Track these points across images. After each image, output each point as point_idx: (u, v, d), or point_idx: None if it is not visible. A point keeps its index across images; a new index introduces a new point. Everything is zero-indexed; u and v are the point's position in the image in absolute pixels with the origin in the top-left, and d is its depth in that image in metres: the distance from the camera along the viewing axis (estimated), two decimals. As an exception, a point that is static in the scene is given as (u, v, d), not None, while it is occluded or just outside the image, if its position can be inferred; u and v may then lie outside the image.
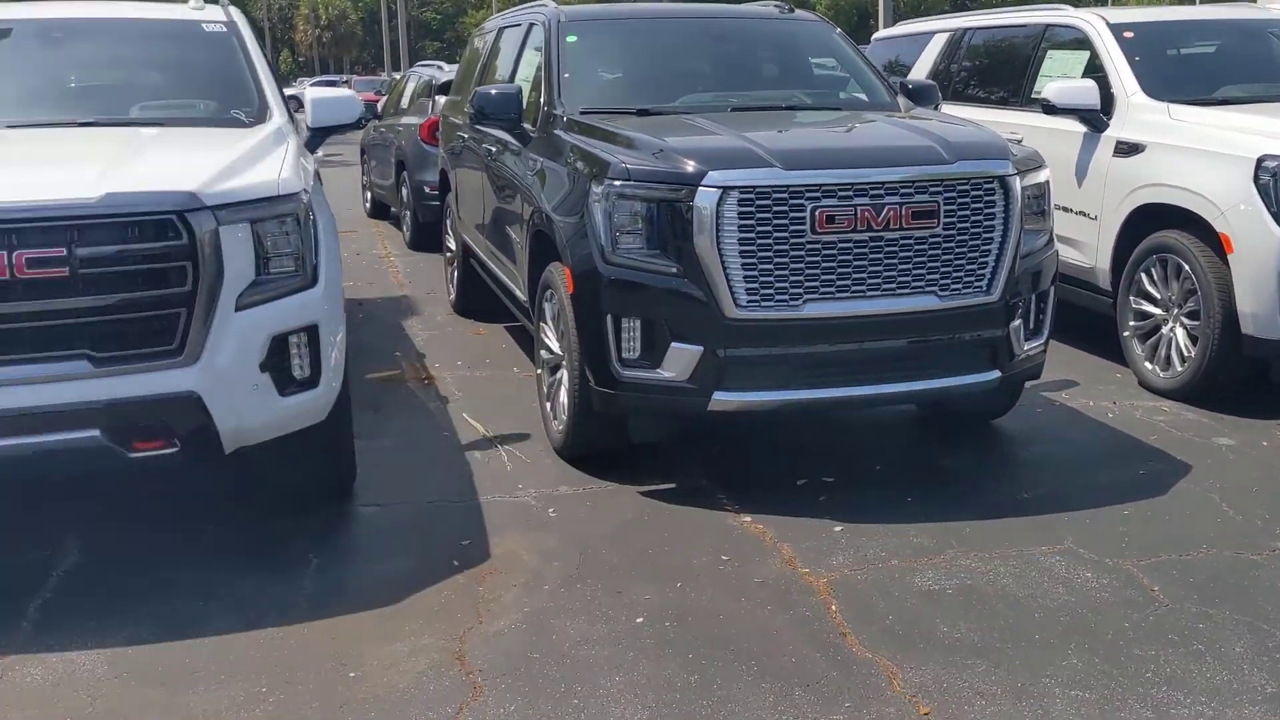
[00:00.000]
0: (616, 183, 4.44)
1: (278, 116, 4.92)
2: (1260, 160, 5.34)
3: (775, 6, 6.56)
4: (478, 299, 7.68)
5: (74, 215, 3.48)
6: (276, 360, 3.87)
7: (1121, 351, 6.23)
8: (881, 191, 4.37)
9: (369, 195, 13.78)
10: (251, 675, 3.30)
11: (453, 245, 8.12)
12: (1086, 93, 6.39)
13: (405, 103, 12.28)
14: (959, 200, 4.47)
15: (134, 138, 4.27)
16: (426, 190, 10.29)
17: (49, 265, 3.44)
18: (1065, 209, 6.63)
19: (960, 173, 4.47)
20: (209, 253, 3.66)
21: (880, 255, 4.41)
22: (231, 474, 4.50)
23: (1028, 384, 5.26)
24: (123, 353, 3.60)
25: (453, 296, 8.22)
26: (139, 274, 3.58)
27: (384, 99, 14.88)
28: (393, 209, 12.69)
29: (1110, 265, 6.32)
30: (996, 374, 4.69)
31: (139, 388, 3.62)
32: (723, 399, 4.44)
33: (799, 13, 6.49)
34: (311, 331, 3.97)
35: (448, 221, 8.29)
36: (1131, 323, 6.15)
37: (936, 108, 6.13)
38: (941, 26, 8.66)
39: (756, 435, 5.35)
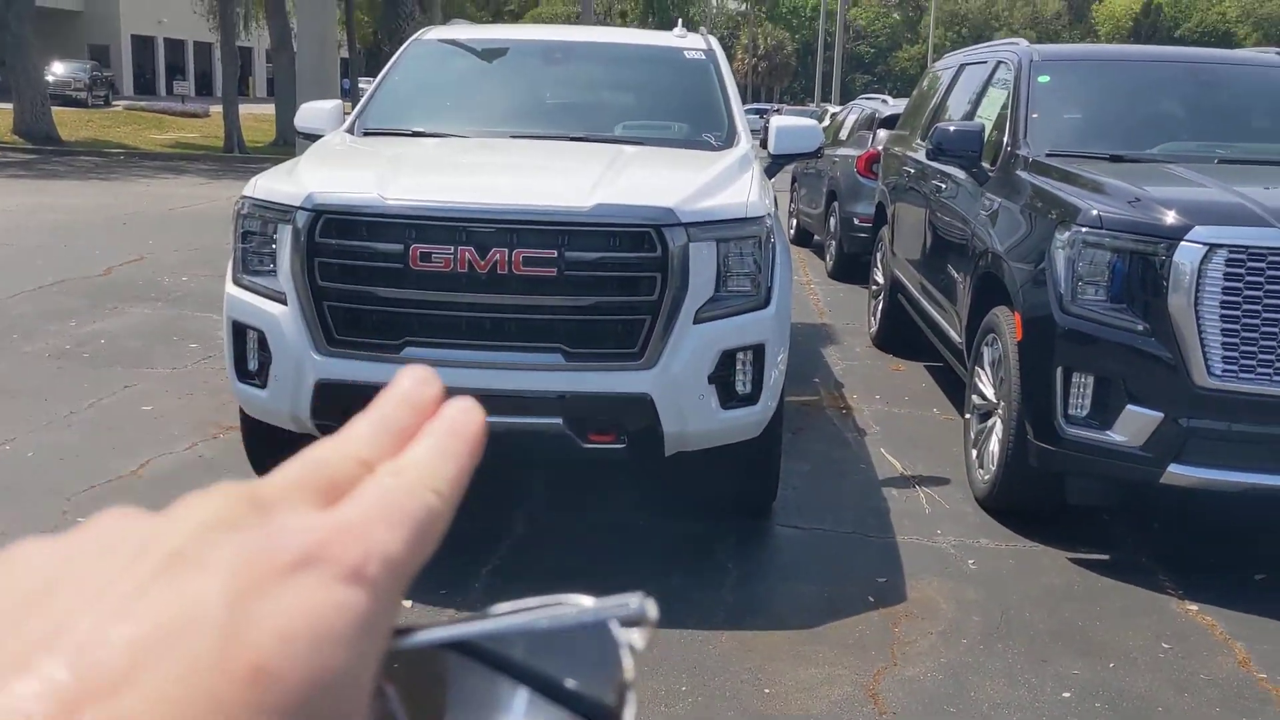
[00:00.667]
0: (1085, 230, 4.21)
1: (744, 142, 5.12)
2: None
3: (1277, 52, 5.97)
4: (900, 334, 7.60)
5: (568, 221, 3.80)
6: (723, 374, 4.02)
7: None
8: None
9: (794, 221, 14.04)
10: (673, 673, 3.43)
11: (880, 278, 8.07)
12: None
13: (844, 134, 12.39)
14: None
15: (619, 154, 4.60)
16: (856, 221, 10.32)
17: (542, 265, 3.78)
18: None
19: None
20: (678, 266, 3.86)
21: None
22: (666, 474, 4.73)
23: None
24: (591, 350, 3.88)
25: (874, 329, 8.18)
26: (615, 280, 3.86)
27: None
28: (816, 237, 12.85)
29: None
30: None
31: (601, 384, 3.89)
32: (1179, 473, 4.08)
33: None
34: (758, 350, 4.08)
35: (878, 254, 8.25)
36: None
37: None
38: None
39: (1207, 517, 4.87)
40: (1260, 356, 3.94)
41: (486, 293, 3.82)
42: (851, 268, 10.69)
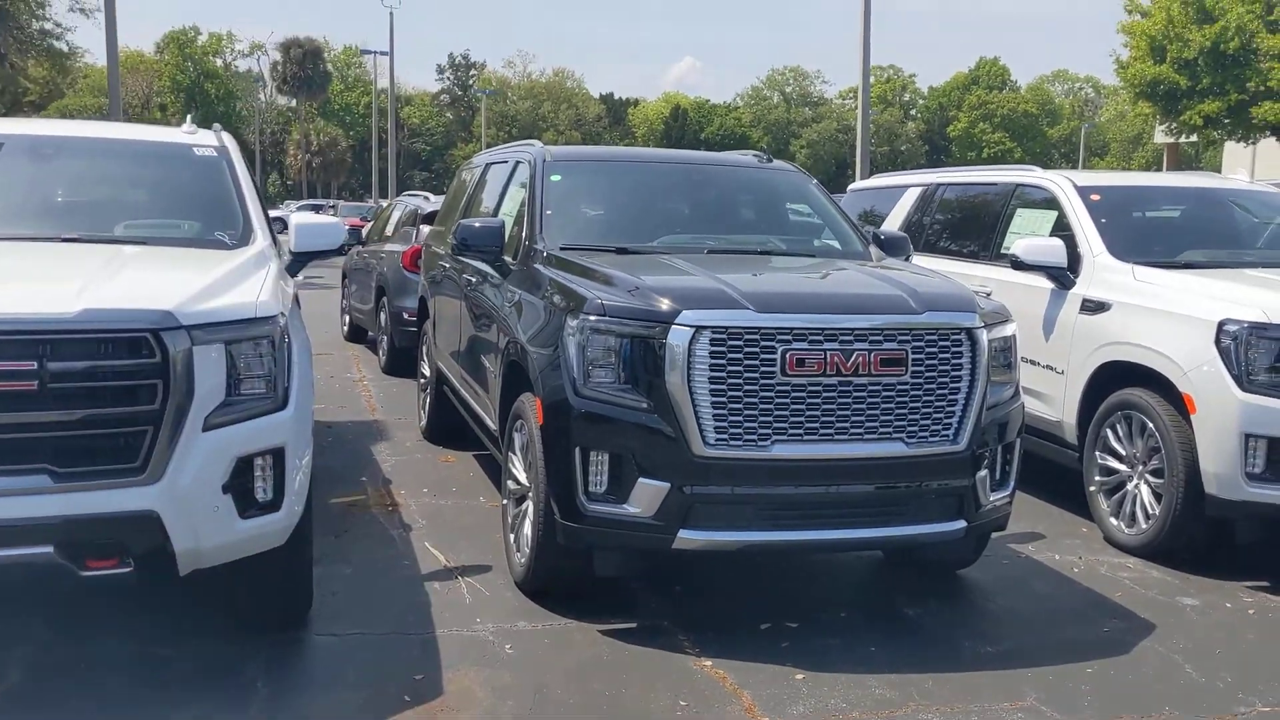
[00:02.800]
0: (592, 317, 4.50)
1: (261, 240, 4.99)
2: (1221, 324, 5.47)
3: (755, 155, 6.77)
4: (449, 426, 7.68)
5: (49, 329, 3.49)
6: (240, 482, 3.84)
7: (1088, 506, 6.26)
8: (851, 338, 4.45)
9: (347, 319, 13.87)
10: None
11: (427, 371, 8.15)
12: (1054, 251, 6.57)
13: (390, 230, 12.46)
14: (927, 350, 4.55)
15: (116, 255, 4.31)
16: (405, 316, 10.36)
17: (18, 378, 3.44)
18: (1032, 362, 6.74)
19: (928, 323, 4.57)
20: (181, 372, 3.66)
21: (849, 400, 4.46)
22: (183, 591, 4.41)
23: (994, 535, 5.27)
24: (84, 469, 3.56)
25: (424, 422, 8.21)
26: (109, 390, 3.58)
27: (369, 225, 15.10)
28: (370, 333, 12.76)
29: (1076, 420, 6.40)
30: (963, 524, 4.70)
31: (97, 505, 3.57)
32: (688, 537, 4.42)
33: (777, 162, 6.70)
34: (278, 454, 3.95)
35: (423, 348, 8.33)
36: (1097, 478, 6.20)
37: (907, 258, 6.28)
38: (915, 181, 8.93)
39: (721, 574, 5.30)
40: (746, 425, 4.38)
41: (-46, 412, 3.41)
42: (403, 362, 10.69)
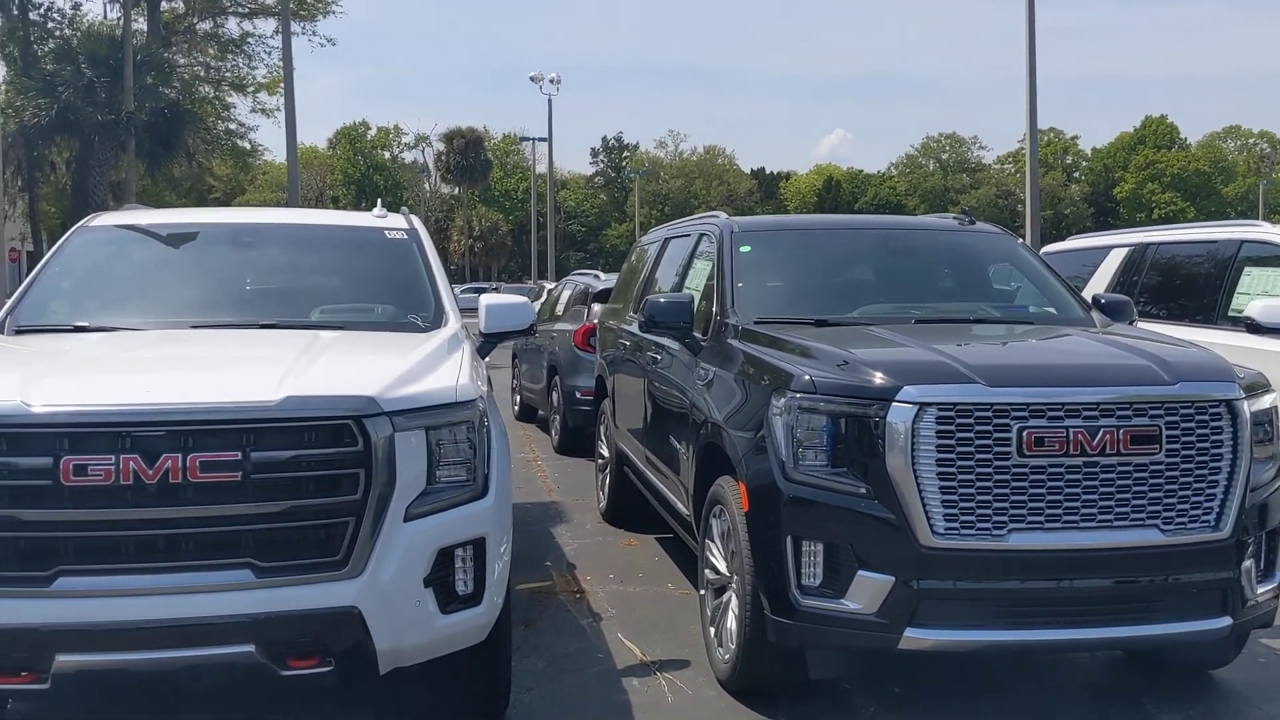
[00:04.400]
0: (800, 395, 4.18)
1: (453, 322, 4.87)
2: None
3: (955, 217, 6.38)
4: (629, 508, 7.43)
5: (252, 418, 3.37)
6: (441, 575, 3.64)
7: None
8: (1096, 413, 4.00)
9: (518, 398, 13.89)
10: None
11: (605, 452, 7.93)
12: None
13: (560, 309, 12.46)
14: (1183, 424, 4.06)
15: (314, 341, 4.22)
16: (578, 395, 10.24)
17: (223, 469, 3.32)
18: (1275, 435, 6.08)
19: (1183, 395, 4.08)
20: (383, 459, 3.50)
21: (1096, 483, 3.99)
22: (379, 691, 4.22)
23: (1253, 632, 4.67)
24: (286, 562, 3.41)
25: (603, 504, 7.98)
26: (312, 480, 3.43)
27: (537, 305, 15.18)
28: (540, 412, 12.71)
29: None
30: (1228, 621, 4.14)
31: (298, 601, 3.41)
32: (916, 636, 3.99)
33: (980, 224, 6.29)
34: (479, 544, 3.75)
35: (602, 428, 8.14)
36: None
37: (1132, 323, 5.76)
38: (1120, 241, 8.36)
39: (944, 675, 4.83)
40: (979, 512, 3.96)
41: (157, 506, 3.31)
42: (577, 441, 10.56)
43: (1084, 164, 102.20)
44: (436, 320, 4.86)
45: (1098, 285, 8.10)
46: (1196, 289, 7.23)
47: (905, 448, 3.96)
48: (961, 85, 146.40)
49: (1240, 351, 6.37)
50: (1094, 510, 4.00)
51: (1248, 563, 4.17)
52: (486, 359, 5.29)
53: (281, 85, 29.67)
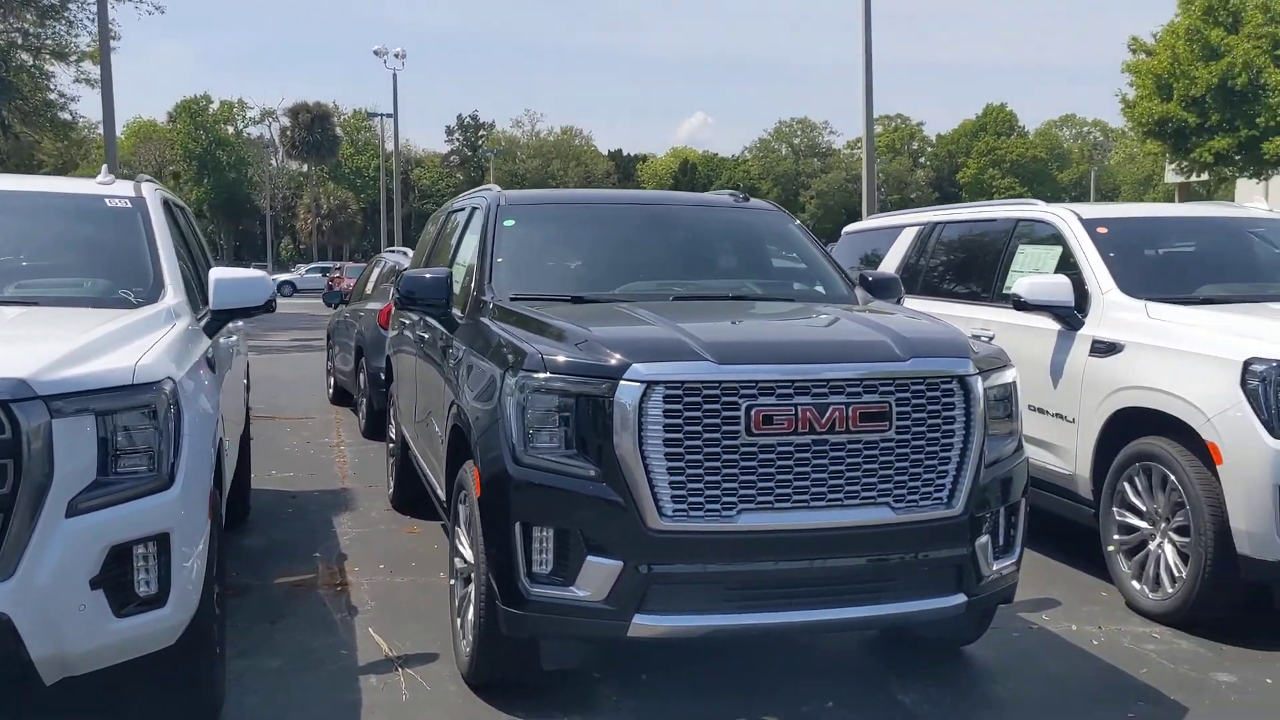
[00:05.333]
0: (531, 375, 3.97)
1: (172, 296, 4.51)
2: (1247, 364, 4.91)
3: (730, 194, 6.28)
4: (416, 494, 7.14)
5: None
6: (115, 574, 3.32)
7: (1107, 567, 5.66)
8: (826, 390, 3.90)
9: (332, 381, 13.41)
10: None
11: (394, 435, 7.63)
12: (1059, 289, 6.03)
13: (370, 288, 12.04)
14: (914, 401, 4.00)
15: (-12, 318, 3.82)
16: (381, 377, 9.86)
17: None
18: (1040, 410, 6.19)
19: (914, 371, 4.02)
20: (38, 449, 3.16)
21: (825, 461, 3.91)
22: (71, 697, 3.86)
23: (1005, 604, 4.69)
24: (-80, 566, 3.04)
25: (391, 490, 7.67)
26: (-53, 473, 3.06)
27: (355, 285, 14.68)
28: (354, 396, 12.27)
29: (1090, 473, 5.82)
30: (962, 598, 4.11)
31: (-63, 607, 3.04)
32: (645, 623, 3.85)
33: (754, 201, 6.19)
34: (162, 541, 3.43)
35: (391, 410, 7.83)
36: (1116, 536, 5.61)
37: (899, 301, 5.75)
38: (911, 220, 8.42)
39: (694, 660, 4.72)
40: (708, 493, 3.82)
41: None
42: (383, 425, 10.18)
43: (929, 150, 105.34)
44: (153, 295, 4.49)
45: (890, 264, 8.16)
46: (977, 267, 7.32)
47: (633, 428, 3.79)
48: (816, 70, 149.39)
49: (1010, 328, 6.48)
50: (824, 490, 3.91)
51: (983, 539, 4.15)
52: (225, 338, 4.95)
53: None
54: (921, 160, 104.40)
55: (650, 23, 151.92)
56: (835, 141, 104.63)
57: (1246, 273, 6.46)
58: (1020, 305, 6.17)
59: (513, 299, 4.96)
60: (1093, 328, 5.92)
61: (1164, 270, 6.39)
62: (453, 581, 4.76)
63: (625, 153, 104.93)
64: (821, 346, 4.16)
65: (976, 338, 6.79)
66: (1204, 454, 5.05)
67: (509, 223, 5.51)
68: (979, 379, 4.12)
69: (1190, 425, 5.13)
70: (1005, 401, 4.36)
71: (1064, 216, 6.54)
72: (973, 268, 7.39)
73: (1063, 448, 6.04)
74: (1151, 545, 5.39)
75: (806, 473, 3.89)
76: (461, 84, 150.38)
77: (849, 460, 3.93)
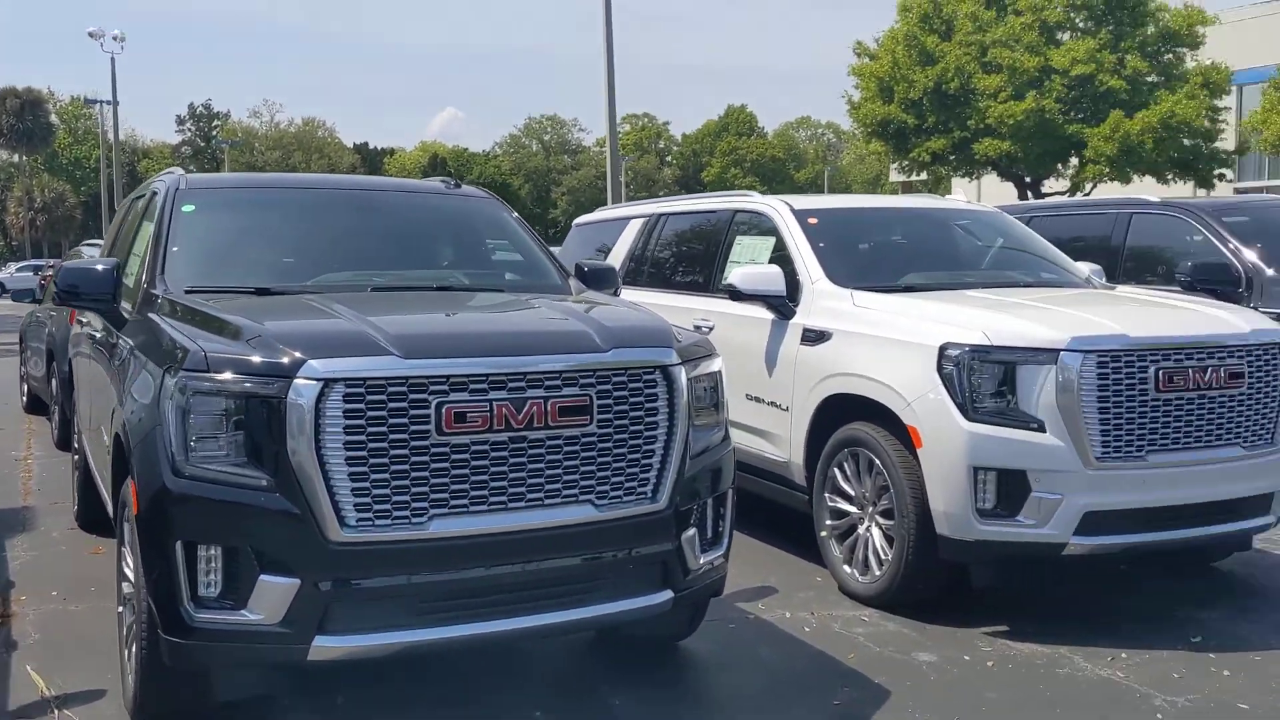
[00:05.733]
0: (193, 374, 3.55)
1: None
2: (943, 349, 5.05)
3: (441, 181, 5.98)
4: (102, 510, 6.45)
5: None
6: None
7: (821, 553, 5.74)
8: (523, 384, 3.68)
9: (25, 388, 12.18)
10: None
11: (77, 445, 6.89)
12: (771, 279, 6.07)
13: (64, 285, 10.96)
14: (615, 393, 3.84)
15: None
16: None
17: None
18: (757, 399, 6.22)
19: (616, 362, 3.86)
20: None
21: (524, 459, 3.68)
22: None
23: (725, 594, 4.62)
24: None
25: (76, 507, 6.94)
26: None
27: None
28: (48, 403, 11.17)
29: (803, 459, 5.88)
30: (669, 595, 3.99)
31: None
32: (327, 644, 3.51)
33: (466, 188, 5.92)
34: None
35: (76, 418, 7.07)
36: (828, 521, 5.68)
37: (615, 292, 5.63)
38: (637, 212, 8.37)
39: (391, 676, 4.40)
40: (395, 499, 3.53)
41: None
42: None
43: (675, 149, 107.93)
44: None
45: (616, 256, 8.07)
46: (698, 258, 7.32)
47: (309, 431, 3.45)
48: (568, 67, 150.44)
49: (728, 318, 6.49)
50: (523, 490, 3.69)
51: (690, 532, 4.04)
52: None
53: None
54: (668, 159, 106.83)
55: (401, 14, 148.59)
56: (585, 139, 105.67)
57: (948, 262, 6.71)
58: (735, 295, 6.17)
59: (188, 292, 4.49)
60: (803, 316, 5.99)
61: (871, 260, 6.55)
62: (120, 608, 4.26)
63: (372, 146, 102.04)
64: (519, 338, 3.93)
65: (698, 328, 6.82)
66: (905, 438, 5.16)
67: (188, 208, 5.01)
68: (682, 369, 4.01)
69: (892, 410, 5.24)
70: (711, 391, 4.28)
71: (776, 208, 6.61)
72: (695, 259, 7.39)
73: (778, 435, 6.09)
74: (860, 529, 5.48)
75: (504, 473, 3.66)
76: (194, 71, 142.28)
77: (549, 458, 3.72)
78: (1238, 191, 31.12)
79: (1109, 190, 28.58)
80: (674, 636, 4.73)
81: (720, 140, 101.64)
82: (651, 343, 4.03)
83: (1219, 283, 7.22)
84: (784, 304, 6.09)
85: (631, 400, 3.87)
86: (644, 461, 3.90)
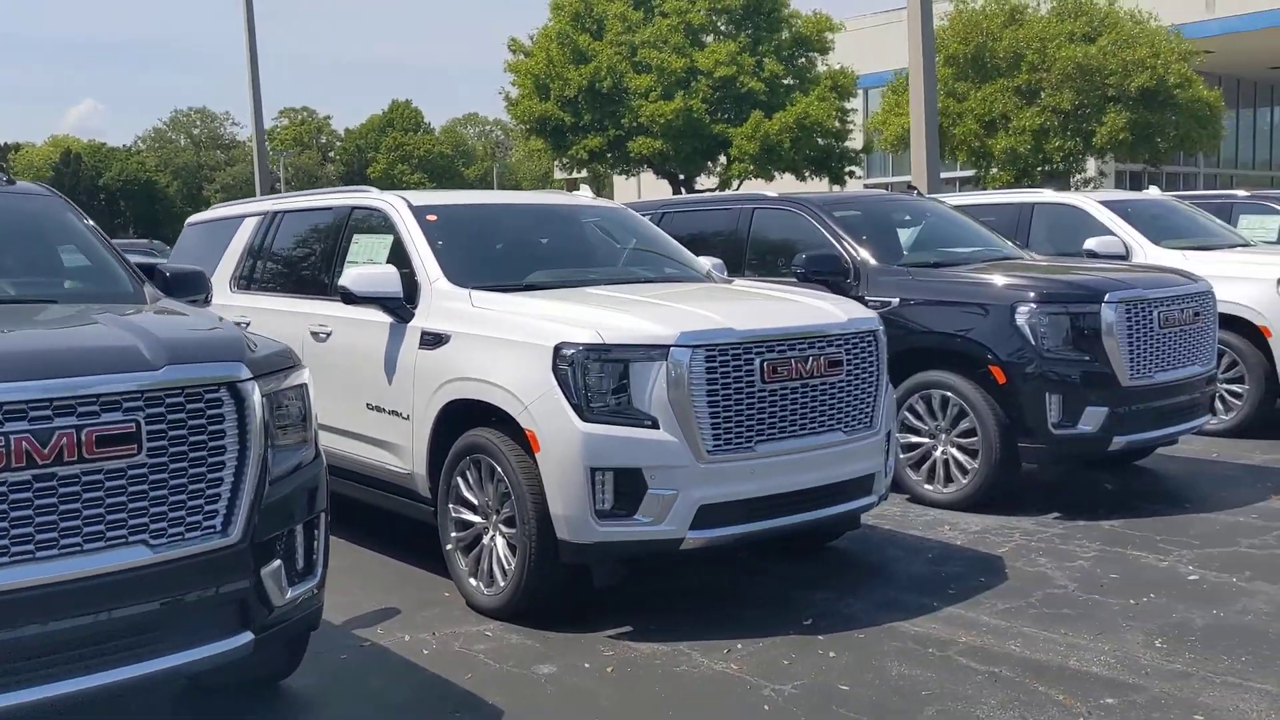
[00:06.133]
0: None
1: None
2: (558, 348, 4.91)
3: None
4: None
5: None
6: None
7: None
8: (49, 412, 3.16)
9: None
10: None
11: None
12: (385, 279, 5.73)
13: None
14: (170, 416, 3.38)
15: None
16: None
17: None
18: (378, 408, 5.87)
19: (169, 381, 3.40)
20: None
21: (53, 500, 3.16)
22: None
23: (338, 621, 4.27)
24: None
25: None
26: None
27: None
28: None
29: (426, 469, 5.59)
30: (249, 637, 3.58)
31: None
32: None
33: (22, 185, 5.18)
34: None
35: None
36: (453, 533, 5.43)
37: (206, 299, 5.10)
38: (252, 209, 7.74)
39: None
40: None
41: None
42: None
43: (339, 144, 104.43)
44: None
45: (230, 259, 7.44)
46: (315, 259, 6.86)
47: None
48: (219, 59, 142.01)
49: (347, 323, 6.10)
50: (54, 535, 3.17)
51: (273, 565, 3.65)
52: None
53: None
54: (331, 154, 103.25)
55: (37, 6, 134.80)
56: (239, 133, 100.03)
57: (574, 259, 6.61)
58: (349, 298, 5.78)
59: None
60: (422, 319, 5.69)
61: (494, 258, 6.34)
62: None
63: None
64: (43, 358, 3.37)
65: (315, 335, 6.37)
66: (524, 442, 4.99)
67: None
68: (256, 385, 3.60)
69: (510, 414, 5.05)
70: (297, 406, 3.90)
71: (394, 204, 6.27)
72: (312, 259, 6.91)
73: (400, 446, 5.76)
74: (485, 539, 5.27)
75: (28, 517, 3.12)
76: None
77: (87, 496, 3.22)
78: (867, 187, 33.79)
79: (755, 186, 30.26)
80: (273, 676, 4.32)
81: (385, 136, 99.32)
82: (216, 356, 3.59)
83: (830, 274, 7.58)
84: (401, 306, 5.77)
85: (192, 424, 3.43)
86: (210, 492, 3.46)
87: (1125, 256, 9.59)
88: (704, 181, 32.76)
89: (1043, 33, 24.78)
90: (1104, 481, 7.75)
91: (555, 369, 4.90)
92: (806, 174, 31.16)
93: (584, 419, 4.83)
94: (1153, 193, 11.92)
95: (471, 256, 6.12)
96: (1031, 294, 6.85)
